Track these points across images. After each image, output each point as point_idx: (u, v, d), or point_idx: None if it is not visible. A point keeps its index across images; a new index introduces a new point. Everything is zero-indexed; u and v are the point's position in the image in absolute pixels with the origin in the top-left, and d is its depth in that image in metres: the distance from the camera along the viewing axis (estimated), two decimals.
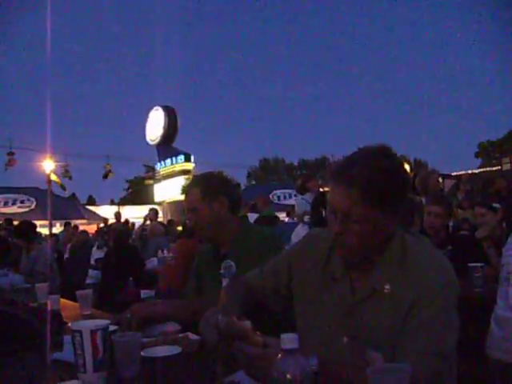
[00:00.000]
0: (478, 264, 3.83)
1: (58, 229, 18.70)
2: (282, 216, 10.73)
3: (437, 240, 4.25)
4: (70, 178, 24.95)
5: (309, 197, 7.25)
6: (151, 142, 26.37)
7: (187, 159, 24.37)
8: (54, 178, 22.27)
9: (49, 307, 2.93)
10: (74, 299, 3.19)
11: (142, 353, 1.55)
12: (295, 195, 8.43)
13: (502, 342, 2.96)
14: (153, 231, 9.66)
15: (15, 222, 10.68)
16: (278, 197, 30.32)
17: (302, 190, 7.57)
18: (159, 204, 24.93)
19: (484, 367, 3.09)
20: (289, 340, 1.18)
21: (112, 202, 47.66)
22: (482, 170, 29.96)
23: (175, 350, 1.56)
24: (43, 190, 23.91)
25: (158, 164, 26.30)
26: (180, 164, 24.42)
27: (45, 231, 16.03)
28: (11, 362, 1.88)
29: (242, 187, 31.71)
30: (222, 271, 2.42)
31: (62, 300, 3.23)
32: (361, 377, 1.23)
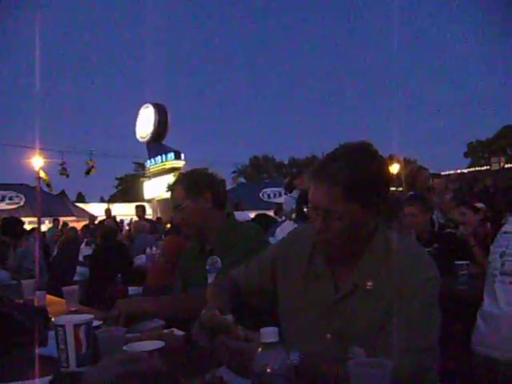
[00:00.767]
0: (464, 262, 3.87)
1: (46, 226, 18.62)
2: (271, 213, 10.77)
3: (422, 237, 4.30)
4: (67, 175, 24.78)
5: (296, 194, 7.26)
6: (141, 140, 26.27)
7: (177, 157, 24.31)
8: (42, 175, 22.14)
9: (35, 303, 2.93)
10: (61, 296, 3.18)
11: (124, 347, 1.55)
12: (284, 193, 8.41)
13: (488, 337, 3.00)
14: (137, 228, 9.65)
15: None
16: (268, 195, 30.39)
17: (289, 188, 7.58)
18: (149, 201, 24.84)
19: (470, 363, 3.12)
20: (269, 334, 1.19)
21: (102, 200, 47.53)
22: (471, 169, 30.10)
23: (159, 344, 1.56)
24: (32, 187, 23.78)
25: (148, 161, 26.21)
26: (170, 162, 24.35)
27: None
28: None
29: (232, 185, 31.82)
30: (207, 267, 2.43)
31: (49, 296, 3.22)
32: (342, 370, 1.24)
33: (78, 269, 8.09)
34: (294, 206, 6.54)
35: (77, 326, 1.57)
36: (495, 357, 2.93)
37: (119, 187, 58.83)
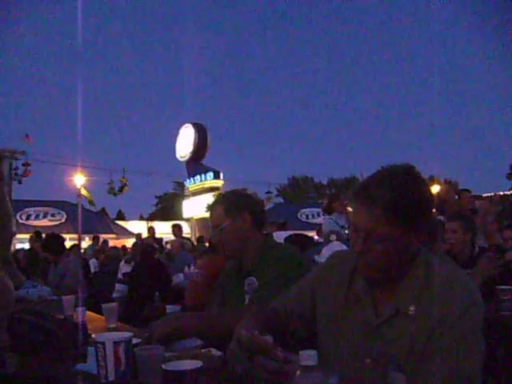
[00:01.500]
0: (507, 287, 3.76)
1: (86, 242, 18.91)
2: (312, 234, 10.70)
3: (459, 259, 4.21)
4: (115, 194, 25.17)
5: (335, 217, 7.27)
6: (181, 159, 26.54)
7: (216, 176, 24.47)
8: (84, 192, 22.57)
9: (75, 319, 2.97)
10: (100, 312, 3.21)
11: (163, 366, 1.55)
12: (323, 214, 8.39)
13: None
14: (175, 246, 9.74)
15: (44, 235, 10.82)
16: (307, 215, 30.31)
17: (328, 210, 7.58)
18: (187, 220, 25.04)
19: None
20: (308, 357, 1.18)
21: (141, 217, 48.08)
22: None
23: (197, 364, 1.56)
24: (74, 204, 24.25)
25: (188, 180, 26.45)
26: (209, 181, 24.53)
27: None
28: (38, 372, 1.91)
29: (271, 205, 31.84)
30: (245, 288, 2.43)
31: (89, 313, 3.26)
32: None
33: (117, 286, 8.18)
34: (332, 228, 6.52)
35: (116, 344, 1.58)
36: None
37: (158, 205, 59.43)
